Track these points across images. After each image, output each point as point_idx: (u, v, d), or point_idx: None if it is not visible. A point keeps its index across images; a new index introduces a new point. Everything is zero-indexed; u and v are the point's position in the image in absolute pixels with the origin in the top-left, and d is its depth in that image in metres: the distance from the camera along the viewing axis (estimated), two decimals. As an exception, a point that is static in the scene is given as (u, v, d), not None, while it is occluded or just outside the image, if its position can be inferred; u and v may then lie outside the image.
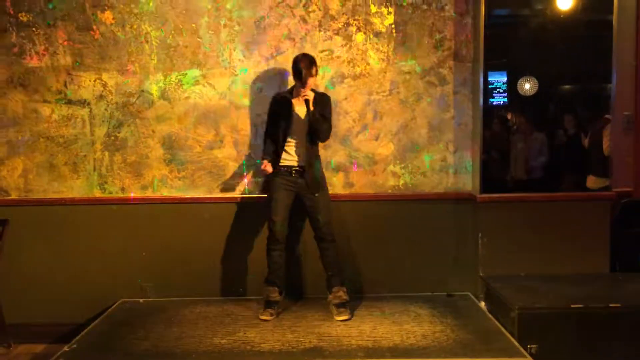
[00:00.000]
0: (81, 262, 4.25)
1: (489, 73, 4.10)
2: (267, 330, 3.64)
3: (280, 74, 4.20)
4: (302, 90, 3.73)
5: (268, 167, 3.85)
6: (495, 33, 4.08)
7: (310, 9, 4.18)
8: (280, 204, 3.86)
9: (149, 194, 4.27)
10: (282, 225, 3.87)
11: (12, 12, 4.15)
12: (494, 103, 4.14)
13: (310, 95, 3.72)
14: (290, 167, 3.86)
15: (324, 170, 4.01)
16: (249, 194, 4.27)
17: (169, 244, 4.25)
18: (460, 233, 4.27)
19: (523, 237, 4.14)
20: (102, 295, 4.18)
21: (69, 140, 4.24)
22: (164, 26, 4.17)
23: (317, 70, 3.84)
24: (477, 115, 4.17)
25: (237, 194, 4.28)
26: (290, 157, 3.86)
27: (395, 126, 4.25)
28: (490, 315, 3.84)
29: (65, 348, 3.41)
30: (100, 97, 4.21)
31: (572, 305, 3.51)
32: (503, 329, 3.57)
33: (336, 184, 4.23)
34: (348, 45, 4.20)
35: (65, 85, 4.21)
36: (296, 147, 3.85)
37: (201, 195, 4.27)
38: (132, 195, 4.25)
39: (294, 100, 3.83)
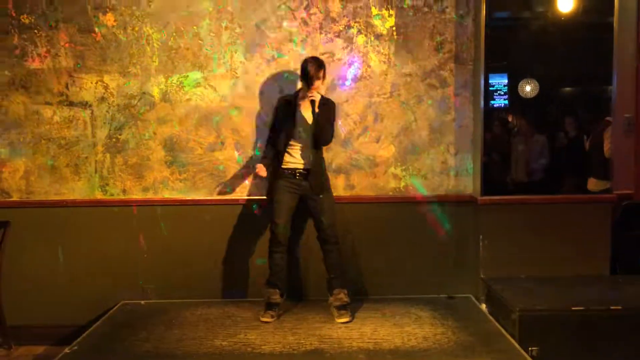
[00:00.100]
0: (82, 264, 4.25)
1: (490, 75, 4.10)
2: (268, 332, 3.64)
3: (282, 76, 4.21)
4: (309, 91, 3.74)
5: (261, 172, 3.87)
6: (496, 35, 4.09)
7: (311, 11, 4.19)
8: (283, 206, 3.86)
9: (150, 195, 4.27)
10: (284, 227, 3.87)
11: (14, 14, 4.16)
12: (495, 105, 4.14)
13: (317, 97, 3.72)
14: (294, 169, 3.86)
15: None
16: (249, 196, 4.27)
17: (170, 246, 4.25)
18: (461, 235, 4.27)
19: (524, 239, 4.14)
20: (103, 297, 4.18)
21: (70, 142, 4.25)
22: (166, 28, 4.18)
23: (324, 74, 3.85)
24: (478, 118, 4.17)
25: (238, 196, 4.28)
26: (294, 159, 3.86)
27: (396, 128, 4.26)
28: (491, 318, 3.84)
29: (66, 350, 3.42)
30: (102, 99, 4.22)
31: (573, 308, 3.52)
32: (504, 331, 3.57)
33: (337, 186, 4.23)
34: (349, 48, 4.20)
35: (66, 87, 4.21)
36: (301, 149, 3.86)
37: (202, 197, 4.27)
38: (134, 200, 4.26)
39: (300, 103, 3.85)
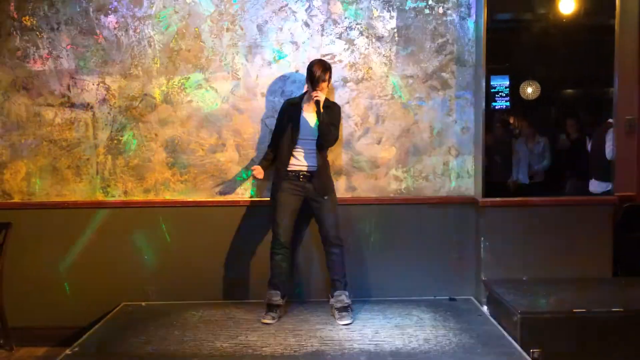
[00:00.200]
0: (83, 265, 4.25)
1: (491, 77, 4.11)
2: (269, 334, 3.63)
3: (283, 78, 4.21)
4: (314, 92, 3.74)
5: (258, 174, 3.91)
6: (498, 37, 4.09)
7: (312, 13, 4.19)
8: (286, 208, 3.86)
9: (151, 197, 4.27)
10: (286, 229, 3.87)
11: (16, 16, 4.16)
12: (496, 107, 4.14)
13: (321, 97, 3.73)
14: (299, 171, 3.87)
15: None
16: (252, 197, 4.27)
17: (171, 248, 4.25)
18: (462, 237, 4.27)
19: (525, 241, 4.14)
20: (104, 299, 4.18)
21: (72, 143, 4.25)
22: (167, 30, 4.18)
23: (330, 77, 3.85)
24: (479, 120, 4.17)
25: (239, 197, 4.28)
26: (298, 162, 3.87)
27: (397, 130, 4.26)
28: (492, 320, 3.83)
29: (67, 351, 3.41)
30: (103, 100, 4.22)
31: (575, 310, 3.51)
32: (505, 333, 3.56)
33: (338, 188, 4.22)
34: (350, 50, 4.20)
35: (68, 88, 4.22)
36: (305, 152, 3.86)
37: (203, 199, 4.27)
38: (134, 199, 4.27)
39: (304, 106, 3.85)
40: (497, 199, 4.14)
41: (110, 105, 4.22)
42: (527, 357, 3.23)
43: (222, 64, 4.21)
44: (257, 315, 3.92)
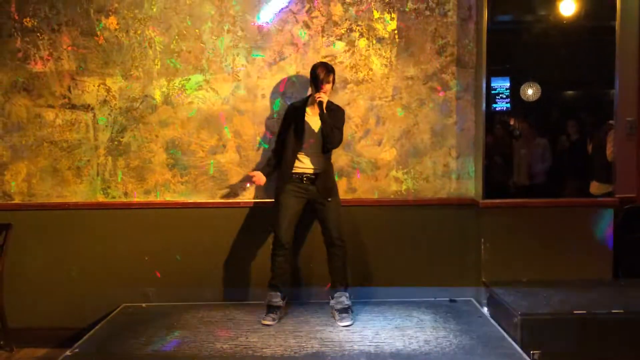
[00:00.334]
0: (84, 266, 4.25)
1: (492, 79, 4.10)
2: (269, 335, 3.63)
3: (283, 79, 4.21)
4: (317, 94, 3.75)
5: (258, 181, 3.93)
6: (498, 38, 4.09)
7: (313, 15, 4.19)
8: (288, 210, 3.86)
9: (151, 198, 4.27)
10: (287, 230, 3.86)
11: (16, 18, 4.17)
12: (497, 108, 4.14)
13: (324, 98, 3.73)
14: (302, 174, 3.87)
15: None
16: (252, 199, 4.27)
17: (171, 249, 4.25)
18: (462, 238, 4.26)
19: (526, 242, 4.14)
20: (105, 300, 4.18)
21: (72, 144, 4.25)
22: (168, 31, 4.18)
23: (334, 79, 3.86)
24: (479, 121, 4.17)
25: (240, 199, 4.28)
26: (302, 164, 3.87)
27: (397, 131, 4.26)
28: (493, 321, 3.83)
29: (68, 352, 3.41)
30: (104, 102, 4.23)
31: (575, 311, 3.51)
32: (506, 335, 3.56)
33: (339, 189, 4.21)
34: (351, 51, 4.21)
35: (69, 90, 4.22)
36: (309, 155, 3.86)
37: (204, 200, 4.27)
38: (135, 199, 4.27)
39: (308, 108, 3.86)
40: (498, 200, 4.13)
41: (110, 106, 4.23)
42: (527, 358, 3.23)
43: (223, 65, 4.21)
44: (257, 316, 3.92)
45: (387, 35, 4.21)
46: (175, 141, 4.25)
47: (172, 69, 4.20)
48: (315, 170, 3.87)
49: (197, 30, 4.19)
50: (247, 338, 3.60)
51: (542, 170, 4.21)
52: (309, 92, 4.01)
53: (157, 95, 4.23)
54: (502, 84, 4.12)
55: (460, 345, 3.44)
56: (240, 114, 4.24)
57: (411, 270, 4.27)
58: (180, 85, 4.22)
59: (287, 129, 3.90)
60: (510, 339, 3.48)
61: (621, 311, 3.50)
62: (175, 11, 4.18)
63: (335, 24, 4.20)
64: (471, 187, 4.28)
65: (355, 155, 4.26)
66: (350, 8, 4.19)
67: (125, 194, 4.28)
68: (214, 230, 4.25)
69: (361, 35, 4.21)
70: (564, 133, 4.20)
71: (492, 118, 4.14)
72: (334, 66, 3.95)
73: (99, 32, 4.18)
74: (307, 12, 4.19)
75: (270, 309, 3.88)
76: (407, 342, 3.49)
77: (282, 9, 4.18)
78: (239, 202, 4.27)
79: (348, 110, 4.20)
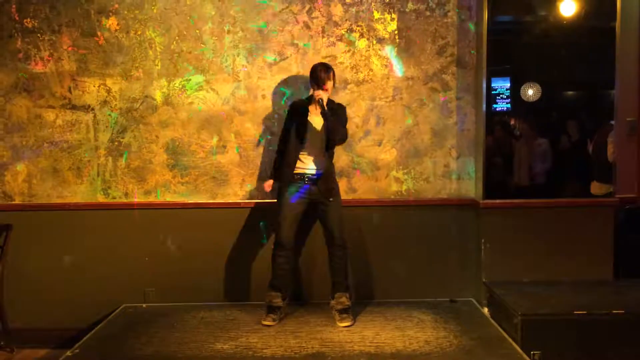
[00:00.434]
0: (84, 267, 4.25)
1: (492, 79, 4.11)
2: (270, 336, 3.63)
3: (284, 79, 4.22)
4: (316, 91, 3.75)
5: (268, 187, 3.99)
6: (498, 39, 4.09)
7: (313, 15, 4.19)
8: (290, 210, 3.85)
9: (152, 199, 4.28)
10: (289, 231, 3.86)
11: (17, 18, 4.17)
12: (497, 109, 4.14)
13: (324, 96, 3.72)
14: (304, 174, 3.86)
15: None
16: (252, 199, 4.27)
17: (172, 249, 4.26)
18: (463, 239, 4.27)
19: (526, 243, 4.13)
20: (105, 300, 4.18)
21: (72, 145, 4.26)
22: (168, 32, 4.19)
23: (334, 77, 3.87)
24: (480, 121, 4.17)
25: (240, 199, 4.28)
26: (304, 165, 3.86)
27: (398, 132, 4.26)
28: (493, 321, 3.83)
29: (68, 353, 3.41)
30: (104, 102, 4.23)
31: (576, 312, 3.51)
32: (506, 335, 3.56)
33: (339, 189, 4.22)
34: (351, 52, 4.21)
35: (69, 90, 4.23)
36: (311, 155, 3.86)
37: (204, 201, 4.27)
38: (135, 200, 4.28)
39: (310, 108, 3.85)
40: (498, 200, 4.13)
41: (111, 107, 4.23)
42: (527, 358, 3.23)
43: (223, 65, 4.21)
44: (257, 317, 3.92)
45: (387, 36, 4.21)
46: (176, 142, 4.25)
47: (172, 69, 4.21)
48: (317, 171, 3.87)
49: (197, 31, 4.19)
50: (247, 338, 3.60)
51: (543, 171, 4.21)
52: (310, 92, 4.00)
53: (158, 96, 4.23)
54: (502, 85, 4.12)
55: (460, 345, 3.43)
56: (241, 115, 4.24)
57: (411, 270, 4.27)
58: (180, 86, 4.22)
59: (290, 127, 3.90)
60: (510, 340, 3.48)
61: (621, 311, 3.50)
62: (176, 12, 4.18)
63: (336, 24, 4.20)
64: (471, 187, 4.28)
65: (356, 155, 4.26)
66: (351, 8, 4.19)
67: (126, 194, 4.28)
68: (214, 231, 4.25)
69: (361, 35, 4.21)
70: (565, 133, 4.20)
71: (492, 118, 4.14)
72: (334, 67, 3.96)
73: (99, 33, 4.18)
74: (307, 12, 4.19)
75: (271, 309, 3.88)
76: (407, 342, 3.49)
77: (282, 9, 4.18)
78: (239, 203, 4.27)
79: (348, 111, 4.18)
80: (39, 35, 4.18)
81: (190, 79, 4.22)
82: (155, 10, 4.17)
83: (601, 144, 4.21)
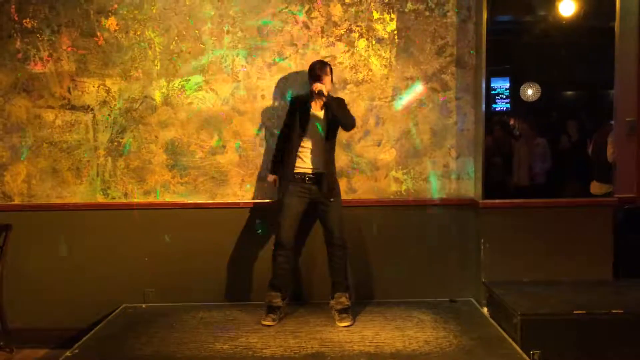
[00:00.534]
0: (84, 267, 4.25)
1: (492, 79, 4.11)
2: (269, 336, 3.63)
3: (283, 80, 4.22)
4: (315, 84, 3.75)
5: (272, 180, 4.01)
6: (498, 39, 4.09)
7: (312, 15, 4.19)
8: (290, 210, 3.86)
9: (151, 199, 4.27)
10: (289, 231, 3.86)
11: (16, 19, 4.17)
12: (497, 109, 4.14)
13: (322, 87, 3.72)
14: (304, 174, 3.86)
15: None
16: (252, 199, 4.27)
17: (171, 249, 4.25)
18: (462, 239, 4.27)
19: (526, 243, 4.13)
20: (105, 301, 4.18)
21: (72, 145, 4.25)
22: (168, 32, 4.19)
23: (331, 71, 3.89)
24: (479, 121, 4.17)
25: (239, 199, 4.28)
26: (304, 164, 3.87)
27: (397, 132, 4.26)
28: (492, 321, 3.83)
29: (68, 353, 3.41)
30: (104, 102, 4.23)
31: (575, 312, 3.51)
32: (506, 335, 3.56)
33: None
34: (350, 52, 4.21)
35: (68, 91, 4.23)
36: (311, 153, 3.86)
37: (203, 201, 4.27)
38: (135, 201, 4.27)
39: (311, 104, 3.85)
40: (498, 200, 4.13)
41: (110, 107, 4.23)
42: (527, 358, 3.23)
43: (223, 66, 4.21)
44: (257, 317, 3.92)
45: (386, 36, 4.21)
46: (175, 142, 4.25)
47: (171, 69, 4.21)
48: (318, 170, 3.86)
49: (196, 31, 4.19)
50: (247, 338, 3.60)
51: (542, 171, 4.21)
52: (303, 89, 4.00)
53: (157, 96, 4.23)
54: (502, 85, 4.12)
55: (460, 345, 3.43)
56: (240, 115, 4.24)
57: (411, 270, 4.27)
58: (179, 86, 4.22)
59: (292, 122, 3.90)
60: (510, 339, 3.48)
61: (621, 311, 3.50)
62: (175, 12, 4.18)
63: (335, 24, 4.20)
64: (471, 187, 4.28)
65: (355, 155, 4.26)
66: (350, 9, 4.18)
67: (125, 194, 4.28)
68: (213, 231, 4.24)
69: (361, 35, 4.21)
70: (564, 133, 4.20)
71: (491, 118, 4.14)
72: (333, 67, 3.96)
73: (98, 33, 4.18)
74: (306, 12, 4.19)
75: (270, 309, 3.88)
76: (407, 342, 3.49)
77: (281, 9, 4.18)
78: (238, 203, 4.27)
79: (348, 111, 4.21)
80: (38, 35, 4.18)
81: (189, 79, 4.22)
82: (154, 11, 4.17)
83: (601, 144, 4.21)
